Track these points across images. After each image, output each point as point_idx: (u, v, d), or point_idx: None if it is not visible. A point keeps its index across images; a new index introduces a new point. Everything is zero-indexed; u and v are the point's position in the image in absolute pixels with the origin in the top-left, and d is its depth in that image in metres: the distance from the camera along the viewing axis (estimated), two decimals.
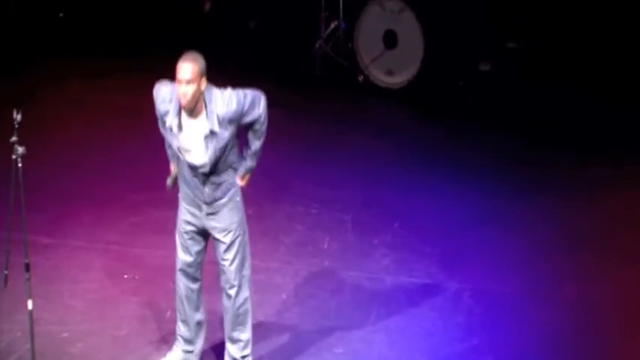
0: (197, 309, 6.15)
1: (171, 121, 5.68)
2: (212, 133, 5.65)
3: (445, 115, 10.20)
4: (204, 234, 6.01)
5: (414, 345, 6.55)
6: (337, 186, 8.65)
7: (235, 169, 5.89)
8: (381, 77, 10.99)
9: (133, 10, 12.54)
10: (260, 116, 5.81)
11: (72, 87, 10.75)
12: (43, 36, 11.94)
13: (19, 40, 11.54)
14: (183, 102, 5.58)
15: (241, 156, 5.93)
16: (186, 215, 5.95)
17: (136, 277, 7.26)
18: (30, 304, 5.71)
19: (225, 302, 6.06)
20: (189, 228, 5.97)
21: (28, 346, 5.86)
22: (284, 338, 6.56)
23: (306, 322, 6.76)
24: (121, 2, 12.62)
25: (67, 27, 12.30)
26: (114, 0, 12.64)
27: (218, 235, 5.93)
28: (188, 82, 5.54)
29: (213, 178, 5.80)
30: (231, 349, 6.15)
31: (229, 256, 5.95)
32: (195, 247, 6.01)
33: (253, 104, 5.77)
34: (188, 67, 5.55)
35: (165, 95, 5.72)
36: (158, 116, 5.78)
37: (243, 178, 5.93)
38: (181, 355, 6.22)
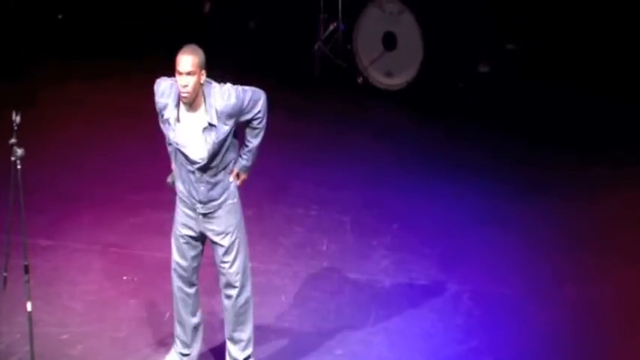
0: (193, 313, 6.14)
1: (169, 113, 5.68)
2: (210, 126, 5.64)
3: (445, 116, 10.20)
4: (200, 239, 5.99)
5: (413, 346, 6.54)
6: (336, 187, 8.65)
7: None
8: (380, 79, 10.99)
9: (133, 10, 12.54)
10: (260, 114, 5.81)
11: (72, 87, 10.76)
12: (43, 37, 11.95)
13: (19, 41, 11.54)
14: (184, 93, 5.58)
15: (239, 155, 5.92)
16: (183, 217, 5.94)
17: (135, 278, 7.25)
18: (29, 306, 5.71)
19: (226, 303, 6.05)
20: (185, 232, 5.95)
21: (28, 348, 5.85)
22: (283, 340, 6.56)
23: (306, 323, 6.76)
24: (120, 2, 12.63)
25: (67, 28, 12.30)
26: (113, 0, 12.64)
27: (216, 238, 5.92)
28: (188, 73, 5.54)
29: (209, 177, 5.78)
30: (232, 349, 6.14)
31: (229, 258, 5.94)
32: (191, 252, 6.00)
33: (254, 101, 5.76)
34: (188, 59, 5.56)
35: (165, 89, 5.72)
36: (158, 110, 5.78)
37: (237, 176, 5.90)
38: (178, 358, 6.21)
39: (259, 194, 8.05)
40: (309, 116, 10.21)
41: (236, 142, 5.86)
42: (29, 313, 5.71)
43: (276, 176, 8.64)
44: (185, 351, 6.20)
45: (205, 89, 5.65)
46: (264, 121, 5.86)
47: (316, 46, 11.33)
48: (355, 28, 11.09)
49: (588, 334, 6.69)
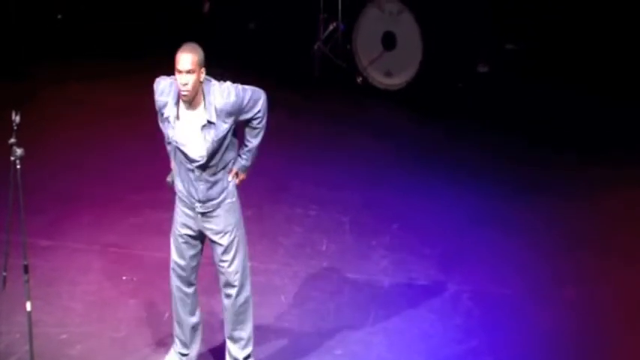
0: (192, 313, 6.13)
1: (169, 112, 5.68)
2: (209, 123, 5.64)
3: (444, 116, 10.21)
4: (199, 238, 5.99)
5: (412, 347, 6.54)
6: (336, 187, 8.65)
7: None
8: (379, 79, 11.00)
9: (133, 10, 12.54)
10: (259, 113, 5.81)
11: (72, 87, 10.76)
12: (43, 37, 11.94)
13: (19, 41, 11.54)
14: (184, 92, 5.58)
15: (238, 155, 5.92)
16: (182, 217, 5.93)
17: (135, 278, 7.25)
18: (29, 306, 5.70)
19: (225, 302, 6.05)
20: (184, 231, 5.95)
21: (27, 347, 5.84)
22: (283, 340, 6.55)
23: (305, 323, 6.75)
24: (120, 2, 12.63)
25: (66, 28, 12.31)
26: (113, 0, 12.65)
27: (215, 237, 5.91)
28: (188, 71, 5.54)
29: (208, 176, 5.78)
30: (232, 348, 6.13)
31: (228, 257, 5.93)
32: (190, 252, 5.99)
33: (254, 101, 5.76)
34: (188, 57, 5.56)
35: (165, 88, 5.72)
36: (157, 109, 5.78)
37: (235, 175, 5.90)
38: (177, 357, 6.21)
39: (259, 194, 8.06)
40: (309, 116, 10.22)
41: (236, 141, 5.85)
42: (29, 312, 5.71)
43: (276, 176, 8.64)
44: (184, 351, 6.20)
45: (205, 87, 5.65)
46: (264, 121, 5.86)
47: (316, 46, 11.33)
48: (355, 28, 11.10)
49: (588, 334, 6.69)
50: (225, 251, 5.91)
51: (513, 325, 6.80)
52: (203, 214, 5.86)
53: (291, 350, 6.47)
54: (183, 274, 6.02)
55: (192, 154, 5.72)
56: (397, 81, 10.86)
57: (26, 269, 5.64)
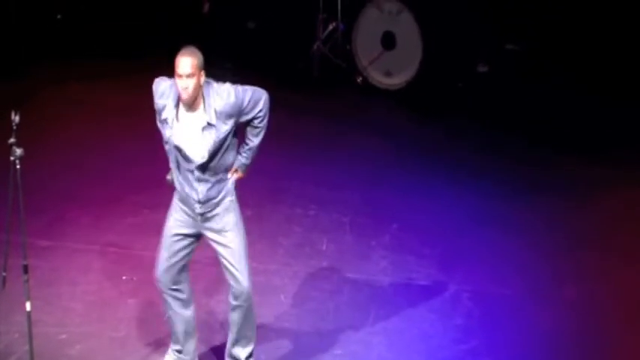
0: (185, 306, 6.03)
1: (168, 113, 5.67)
2: (209, 125, 5.64)
3: (444, 116, 10.21)
4: (193, 239, 5.93)
5: (412, 347, 6.54)
6: (336, 187, 8.64)
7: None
8: (379, 79, 10.99)
9: (133, 10, 12.54)
10: (261, 113, 5.80)
11: (71, 87, 10.76)
12: (43, 37, 11.94)
13: (19, 41, 11.54)
14: (185, 95, 5.57)
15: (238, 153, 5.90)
16: (180, 216, 5.89)
17: (135, 278, 7.24)
18: (28, 306, 5.70)
19: (237, 313, 5.96)
20: (180, 230, 5.90)
21: (27, 347, 5.85)
22: (282, 340, 6.55)
23: (305, 323, 6.75)
24: (120, 2, 12.63)
25: (66, 28, 12.30)
26: (113, 0, 12.64)
27: (215, 237, 5.88)
28: (188, 75, 5.54)
29: (208, 176, 5.76)
30: (235, 348, 6.10)
31: (234, 260, 5.84)
32: (181, 251, 5.91)
33: (254, 101, 5.75)
34: (187, 60, 5.55)
35: (165, 90, 5.71)
36: (156, 110, 5.77)
37: (234, 173, 5.88)
38: (175, 356, 6.18)
39: (259, 194, 8.06)
40: (309, 116, 10.21)
41: (236, 141, 5.84)
42: (28, 312, 5.71)
43: (276, 176, 8.64)
44: (177, 347, 6.17)
45: (204, 89, 5.65)
46: (266, 121, 5.85)
47: (315, 46, 11.33)
48: (354, 28, 11.09)
49: (588, 334, 6.68)
50: (228, 249, 5.85)
51: (513, 325, 6.80)
52: (202, 214, 5.84)
53: (291, 350, 6.47)
54: (171, 271, 5.93)
55: (192, 156, 5.71)
56: (397, 81, 10.86)
57: (26, 269, 5.64)
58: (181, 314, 6.07)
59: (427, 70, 10.58)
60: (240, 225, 5.94)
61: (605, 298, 7.06)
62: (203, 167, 5.74)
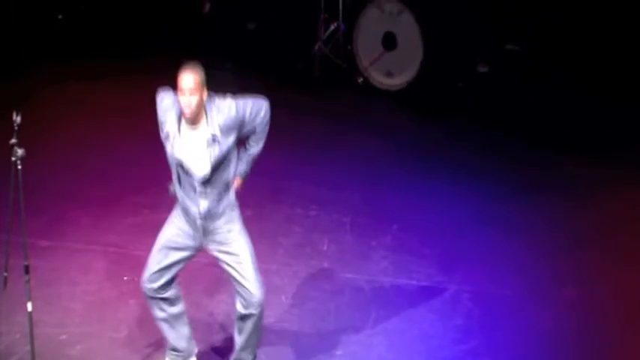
0: (172, 303, 5.99)
1: (170, 127, 5.68)
2: (214, 139, 5.64)
3: (444, 116, 10.21)
4: (191, 250, 5.88)
5: (412, 347, 6.54)
6: (336, 187, 8.65)
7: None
8: (380, 79, 11.00)
9: (133, 10, 12.54)
10: (262, 121, 5.81)
11: (72, 87, 10.76)
12: (43, 37, 11.95)
13: (19, 41, 11.55)
14: (187, 112, 5.58)
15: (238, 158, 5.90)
16: (182, 222, 5.87)
17: (135, 279, 7.21)
18: (29, 307, 5.71)
19: (248, 323, 5.91)
20: (179, 239, 5.86)
21: (28, 348, 5.86)
22: (283, 340, 6.55)
23: (305, 324, 6.75)
24: (120, 2, 12.63)
25: (66, 28, 12.31)
26: (113, 0, 12.65)
27: (220, 247, 5.84)
28: (191, 92, 5.54)
29: (211, 190, 5.74)
30: (243, 354, 6.08)
31: (236, 262, 5.82)
32: (173, 257, 5.88)
33: (256, 112, 5.77)
34: (190, 77, 5.55)
35: (168, 105, 5.71)
36: (159, 125, 5.77)
37: (235, 180, 5.89)
38: (173, 356, 6.17)
39: (259, 194, 8.05)
40: (309, 116, 10.21)
41: (236, 154, 5.83)
42: (29, 313, 5.71)
43: (276, 176, 8.64)
44: (173, 346, 6.14)
45: (207, 104, 5.65)
46: (267, 128, 5.87)
47: (316, 47, 11.33)
48: (355, 28, 11.10)
49: (588, 334, 6.68)
50: (235, 256, 5.80)
51: (513, 325, 6.80)
52: (204, 228, 5.82)
53: (291, 350, 6.47)
54: (159, 279, 5.90)
55: (195, 170, 5.70)
56: (398, 81, 10.86)
57: (27, 269, 5.65)
58: (170, 312, 6.01)
59: (428, 70, 10.59)
60: (244, 233, 5.90)
61: (605, 298, 7.06)
62: (206, 181, 5.73)
